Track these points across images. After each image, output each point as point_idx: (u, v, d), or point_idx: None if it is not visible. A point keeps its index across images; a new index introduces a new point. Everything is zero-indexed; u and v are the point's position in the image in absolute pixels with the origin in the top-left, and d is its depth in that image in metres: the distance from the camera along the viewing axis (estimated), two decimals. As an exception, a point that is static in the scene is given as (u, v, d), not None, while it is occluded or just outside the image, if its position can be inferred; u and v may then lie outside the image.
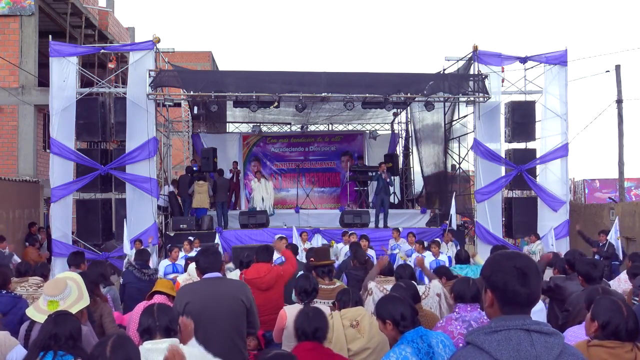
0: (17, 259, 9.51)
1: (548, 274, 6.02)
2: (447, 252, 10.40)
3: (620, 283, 6.00)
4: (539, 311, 4.18)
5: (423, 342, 2.83)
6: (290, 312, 4.04)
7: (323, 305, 4.49)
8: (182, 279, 5.56)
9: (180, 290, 3.99)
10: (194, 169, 14.64)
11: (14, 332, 3.70)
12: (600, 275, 4.42)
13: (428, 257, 9.53)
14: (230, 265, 8.59)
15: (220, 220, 13.64)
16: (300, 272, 5.42)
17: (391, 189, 13.94)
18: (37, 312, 3.56)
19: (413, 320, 2.93)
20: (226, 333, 3.67)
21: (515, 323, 1.84)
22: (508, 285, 1.88)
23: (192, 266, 5.50)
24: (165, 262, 8.95)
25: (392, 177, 14.45)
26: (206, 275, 3.91)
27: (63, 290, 3.61)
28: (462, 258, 6.62)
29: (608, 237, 10.22)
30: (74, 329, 3.05)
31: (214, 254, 4.03)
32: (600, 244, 10.34)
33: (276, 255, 7.47)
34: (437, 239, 10.75)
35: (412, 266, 7.20)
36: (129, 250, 9.82)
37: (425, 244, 10.30)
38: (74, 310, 3.39)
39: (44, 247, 12.14)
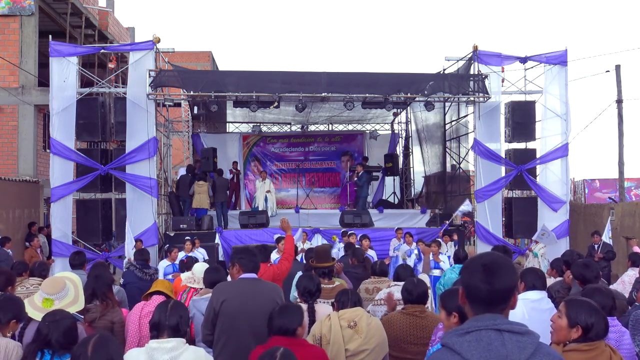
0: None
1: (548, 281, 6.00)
2: (447, 252, 10.41)
3: (625, 286, 5.98)
4: (548, 310, 4.12)
5: None
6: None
7: (324, 304, 4.49)
8: (184, 277, 5.55)
9: (218, 287, 4.02)
10: (195, 171, 14.65)
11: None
12: (595, 275, 4.38)
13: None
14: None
15: (220, 220, 13.66)
16: (300, 273, 5.41)
17: (368, 188, 14.15)
18: (32, 309, 3.58)
19: None
20: (259, 332, 3.69)
21: (486, 323, 1.84)
22: (471, 281, 1.91)
23: (197, 266, 5.50)
24: (165, 263, 8.94)
25: (369, 176, 14.71)
26: (243, 275, 3.96)
27: (60, 290, 3.62)
28: (461, 258, 6.61)
29: (602, 238, 10.18)
30: (68, 328, 3.06)
31: (256, 256, 4.11)
32: (596, 246, 10.31)
33: (275, 256, 7.49)
34: (438, 239, 10.74)
35: (412, 267, 7.20)
36: (130, 252, 9.81)
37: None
38: (70, 310, 3.39)
39: (45, 250, 12.10)
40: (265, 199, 14.48)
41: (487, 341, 1.79)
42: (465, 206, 11.57)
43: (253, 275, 3.99)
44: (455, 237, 11.43)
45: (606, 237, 10.12)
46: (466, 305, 1.96)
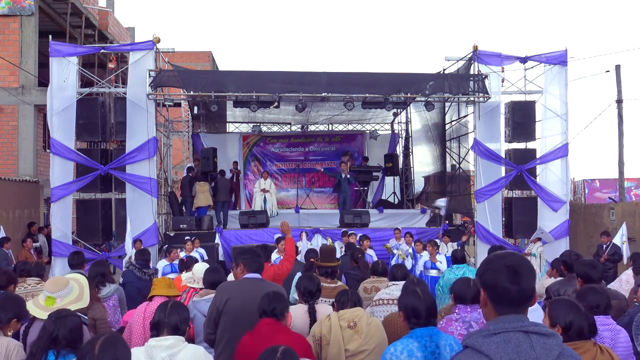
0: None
1: (547, 281, 6.01)
2: (447, 252, 10.41)
3: (622, 284, 6.00)
4: (532, 311, 4.14)
5: (431, 342, 2.84)
6: (295, 312, 4.06)
7: (325, 304, 4.48)
8: (185, 277, 5.56)
9: (222, 287, 4.06)
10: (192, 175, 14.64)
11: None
12: (599, 276, 4.37)
13: (425, 257, 9.59)
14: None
15: (220, 220, 13.66)
16: (300, 273, 5.40)
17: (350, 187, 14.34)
18: (36, 308, 3.59)
19: (427, 320, 2.96)
20: None
21: (513, 325, 1.82)
22: (498, 282, 1.89)
23: (197, 266, 5.50)
24: (164, 262, 8.93)
25: (352, 174, 14.80)
26: (247, 275, 4.01)
27: (62, 289, 3.64)
28: (458, 258, 6.61)
29: (613, 240, 10.06)
30: (74, 327, 3.07)
31: (260, 256, 4.17)
32: (604, 246, 10.21)
33: (275, 256, 7.49)
34: (435, 239, 10.73)
35: (407, 267, 7.20)
36: (130, 249, 9.86)
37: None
38: (70, 308, 3.40)
39: (45, 250, 12.09)
40: (265, 200, 14.43)
41: (516, 343, 1.78)
42: (440, 202, 11.63)
43: (257, 275, 4.02)
44: (448, 239, 11.45)
45: (619, 239, 9.91)
46: (487, 307, 1.94)
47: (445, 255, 9.91)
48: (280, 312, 3.43)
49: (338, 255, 9.08)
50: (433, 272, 9.24)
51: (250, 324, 3.71)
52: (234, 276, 4.28)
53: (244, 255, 4.14)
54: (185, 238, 10.73)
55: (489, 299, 1.93)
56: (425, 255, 9.66)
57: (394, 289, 4.70)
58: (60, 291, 3.63)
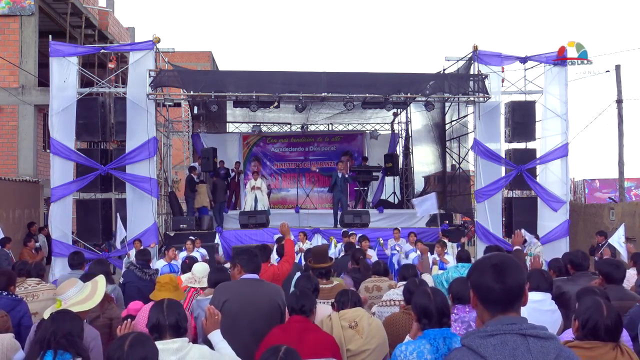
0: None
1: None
2: (447, 252, 10.37)
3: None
4: (549, 311, 4.12)
5: (444, 345, 2.81)
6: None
7: (323, 305, 4.48)
8: (185, 278, 5.55)
9: (219, 288, 4.02)
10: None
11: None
12: (622, 276, 4.34)
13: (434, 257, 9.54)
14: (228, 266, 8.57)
15: (218, 220, 13.67)
16: (298, 274, 5.40)
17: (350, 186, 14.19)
18: (48, 310, 3.62)
19: (440, 322, 2.94)
20: (259, 333, 3.69)
21: (511, 327, 1.83)
22: (483, 282, 1.92)
23: (197, 266, 5.49)
24: (161, 263, 8.91)
25: (350, 175, 14.56)
26: (245, 276, 3.98)
27: (67, 290, 3.64)
28: (464, 257, 6.60)
29: (610, 240, 10.04)
30: (73, 326, 3.07)
31: (257, 256, 4.16)
32: (600, 244, 10.22)
33: (275, 256, 7.48)
34: (444, 239, 10.66)
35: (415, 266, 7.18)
36: (122, 235, 10.03)
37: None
38: (73, 310, 3.40)
39: (45, 250, 12.10)
40: (256, 199, 14.26)
41: (513, 346, 1.79)
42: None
43: (254, 275, 3.99)
44: (446, 239, 11.37)
45: (616, 240, 9.86)
46: (478, 308, 1.96)
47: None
48: (308, 309, 3.48)
49: (338, 256, 9.09)
50: (441, 272, 9.17)
51: (248, 325, 3.70)
52: (232, 277, 4.27)
53: (240, 256, 4.12)
54: (190, 238, 10.73)
55: (478, 299, 1.95)
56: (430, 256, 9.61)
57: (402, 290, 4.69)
58: (64, 293, 3.63)
